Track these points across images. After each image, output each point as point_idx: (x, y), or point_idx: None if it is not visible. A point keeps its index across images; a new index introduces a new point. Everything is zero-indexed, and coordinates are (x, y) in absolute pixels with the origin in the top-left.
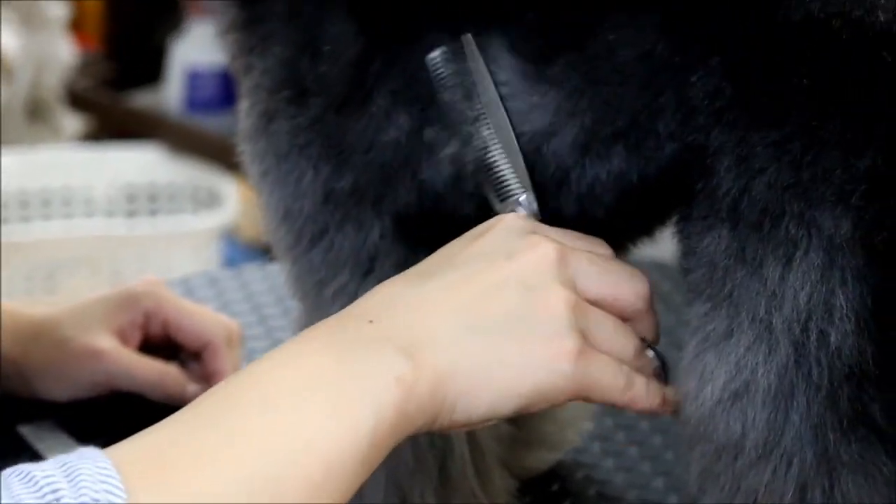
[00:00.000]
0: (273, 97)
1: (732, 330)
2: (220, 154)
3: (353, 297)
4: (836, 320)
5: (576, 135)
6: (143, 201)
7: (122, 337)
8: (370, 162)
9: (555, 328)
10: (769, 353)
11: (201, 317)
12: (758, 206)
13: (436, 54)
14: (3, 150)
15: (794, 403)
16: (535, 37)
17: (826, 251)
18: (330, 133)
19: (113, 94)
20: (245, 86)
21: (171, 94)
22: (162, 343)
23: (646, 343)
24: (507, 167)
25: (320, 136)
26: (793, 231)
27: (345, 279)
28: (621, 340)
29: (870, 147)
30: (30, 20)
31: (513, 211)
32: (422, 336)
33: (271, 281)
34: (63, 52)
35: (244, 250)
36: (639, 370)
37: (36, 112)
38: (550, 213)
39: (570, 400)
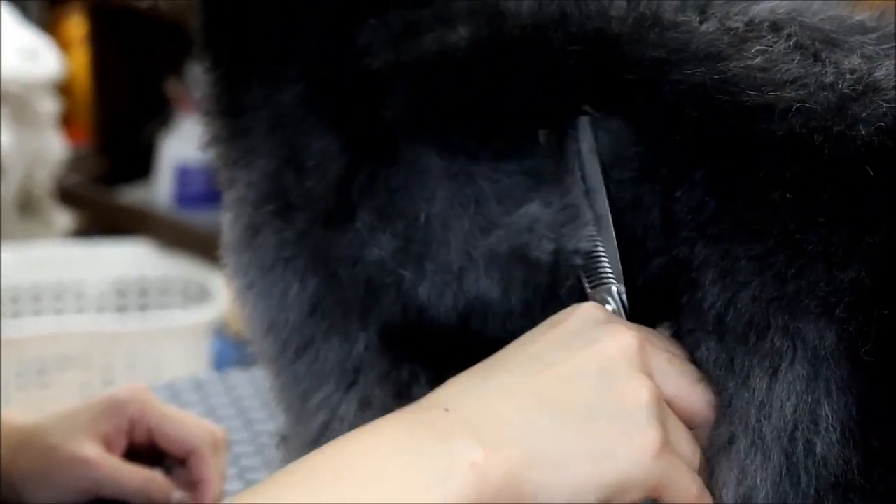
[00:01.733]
0: (258, 211)
1: (733, 436)
2: (209, 249)
3: (337, 408)
4: (822, 430)
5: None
6: (133, 296)
7: (108, 444)
8: (356, 276)
9: (638, 419)
10: (764, 460)
11: (186, 423)
12: (743, 319)
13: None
14: None
15: None
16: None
17: (811, 363)
18: (316, 247)
19: (103, 189)
20: (229, 198)
21: (160, 189)
22: (147, 449)
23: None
24: (604, 255)
25: (307, 249)
26: (778, 343)
27: (329, 390)
28: (691, 447)
29: (853, 259)
30: (21, 116)
31: (603, 301)
32: (497, 424)
33: (257, 385)
34: (54, 148)
35: (235, 344)
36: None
37: (27, 208)
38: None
39: (643, 499)
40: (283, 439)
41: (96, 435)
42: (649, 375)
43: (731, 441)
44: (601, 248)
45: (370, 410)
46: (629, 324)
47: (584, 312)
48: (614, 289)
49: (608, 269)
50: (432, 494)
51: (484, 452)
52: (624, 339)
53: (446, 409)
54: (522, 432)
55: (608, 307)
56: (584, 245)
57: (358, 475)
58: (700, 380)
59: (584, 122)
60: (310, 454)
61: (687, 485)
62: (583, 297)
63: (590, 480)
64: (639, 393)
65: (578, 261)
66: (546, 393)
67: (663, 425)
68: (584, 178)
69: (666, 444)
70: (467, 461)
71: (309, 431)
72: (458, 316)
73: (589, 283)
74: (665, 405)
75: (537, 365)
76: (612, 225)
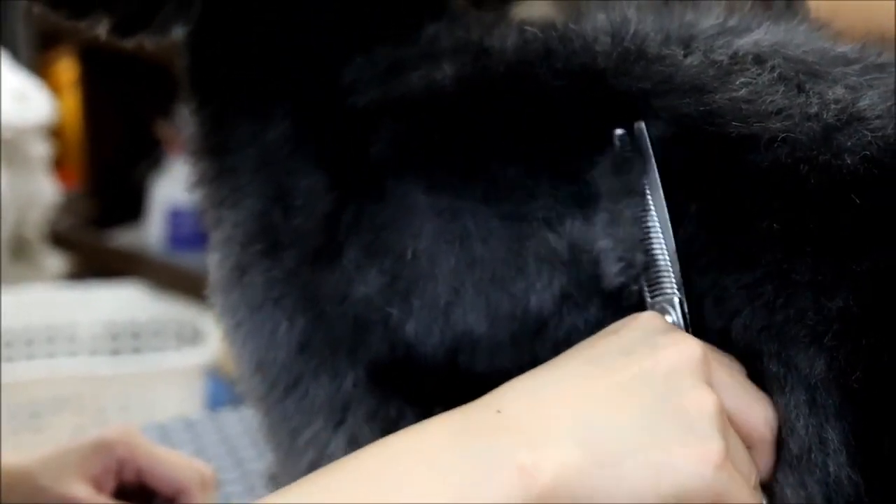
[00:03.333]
0: (246, 250)
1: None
2: (202, 290)
3: (326, 446)
4: (831, 452)
5: (563, 284)
6: (126, 339)
7: (97, 484)
8: (344, 314)
9: (702, 429)
10: (801, 483)
11: (174, 463)
12: (739, 346)
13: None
14: None
15: None
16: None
17: (806, 389)
18: (304, 285)
19: (95, 232)
20: (216, 238)
21: (152, 231)
22: (136, 489)
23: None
24: (664, 264)
25: (295, 288)
26: (774, 369)
27: (318, 428)
28: (749, 464)
29: (841, 288)
30: (12, 159)
31: (663, 311)
32: (550, 426)
33: (247, 424)
34: (46, 191)
35: (228, 386)
36: None
37: (19, 251)
38: (522, 360)
39: None
40: (273, 478)
41: (85, 475)
42: (712, 387)
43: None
44: (660, 257)
45: (358, 447)
46: (690, 335)
47: (644, 321)
48: (676, 300)
49: (667, 280)
50: (474, 494)
51: (533, 454)
52: (688, 348)
53: (498, 411)
54: (578, 435)
55: (668, 318)
56: (639, 257)
57: (399, 473)
58: (761, 398)
59: (642, 130)
60: (354, 453)
61: (745, 501)
62: (571, 336)
63: (649, 488)
64: (703, 403)
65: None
66: (605, 397)
67: (725, 438)
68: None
69: (727, 457)
70: (514, 463)
71: (298, 469)
72: (446, 352)
73: (649, 293)
74: (727, 418)
75: (596, 369)
76: (671, 233)
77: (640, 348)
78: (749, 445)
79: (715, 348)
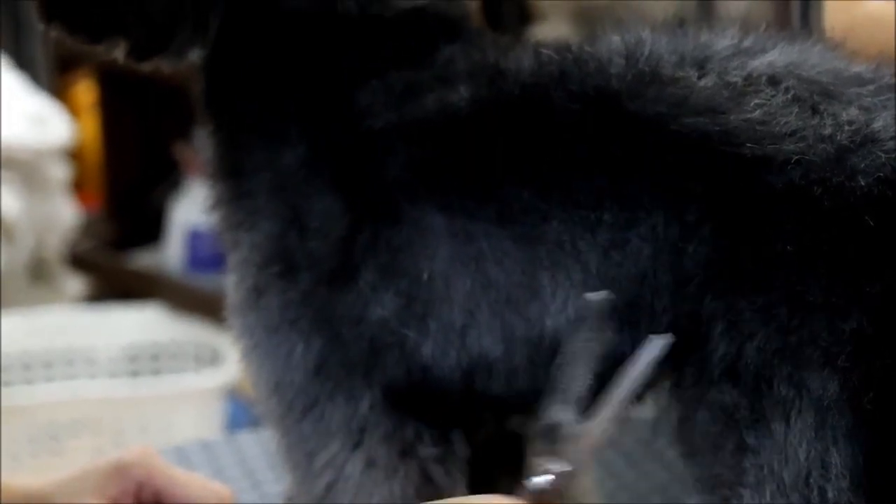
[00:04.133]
0: (262, 272)
1: (761, 481)
2: (221, 312)
3: (343, 467)
4: (833, 477)
5: (578, 307)
6: (145, 361)
7: None
8: (360, 335)
9: None
10: None
11: (192, 485)
12: (751, 370)
13: None
14: (5, 313)
15: None
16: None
17: (817, 411)
18: (320, 307)
19: (114, 254)
20: (233, 260)
21: (171, 253)
22: None
23: None
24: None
25: (311, 310)
26: (784, 392)
27: (335, 450)
28: None
29: (854, 309)
30: (31, 182)
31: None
32: None
33: (265, 446)
34: (65, 214)
35: (247, 407)
36: None
37: (38, 274)
38: (538, 382)
39: None
40: (290, 500)
41: (104, 497)
42: None
43: (759, 483)
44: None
45: (375, 470)
46: None
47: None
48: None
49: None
50: None
51: None
52: None
53: None
54: None
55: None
56: None
57: None
58: None
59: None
60: None
61: None
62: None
63: None
64: None
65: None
66: None
67: None
68: None
69: None
70: None
71: (314, 491)
72: (463, 374)
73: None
74: None
75: None
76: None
77: None
78: None
79: None
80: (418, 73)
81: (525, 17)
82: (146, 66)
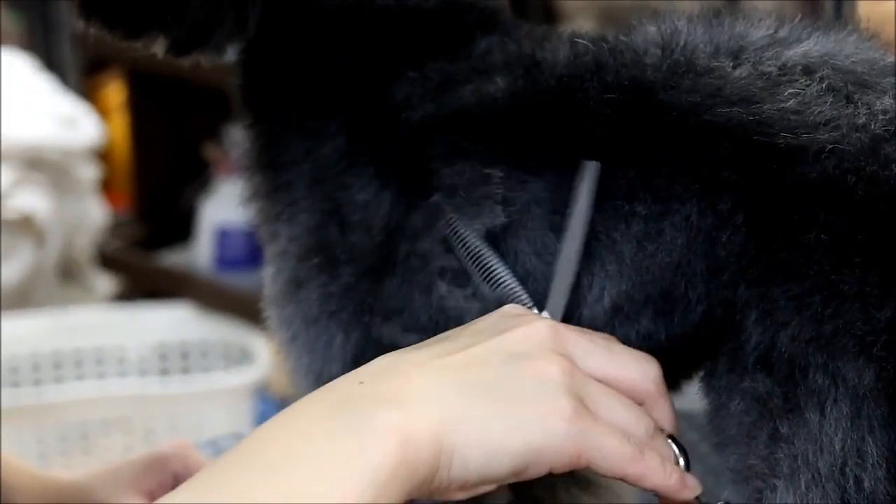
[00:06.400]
0: (302, 264)
1: (796, 471)
2: (250, 311)
3: None
4: (869, 466)
5: (613, 298)
6: (175, 360)
7: (152, 499)
8: (404, 323)
9: (546, 389)
10: (823, 495)
11: None
12: (785, 358)
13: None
14: (36, 312)
15: None
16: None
17: (852, 400)
18: (361, 299)
19: (144, 254)
20: (270, 252)
21: (200, 253)
22: None
23: (664, 433)
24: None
25: (351, 302)
26: (819, 381)
27: None
28: (629, 415)
29: (890, 298)
30: (61, 183)
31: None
32: (410, 392)
33: None
34: (95, 214)
35: (277, 406)
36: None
37: (69, 273)
38: None
39: (572, 466)
40: None
41: (140, 490)
42: (566, 355)
43: (793, 474)
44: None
45: None
46: (540, 316)
47: (503, 310)
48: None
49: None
50: (356, 465)
51: (400, 414)
52: (533, 325)
53: (361, 382)
54: (434, 398)
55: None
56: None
57: (279, 456)
58: (637, 358)
59: (591, 168)
60: (236, 445)
61: (616, 449)
62: None
63: (501, 445)
64: (547, 368)
65: None
66: (456, 367)
67: (581, 397)
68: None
69: (582, 412)
70: (388, 423)
71: None
72: None
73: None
74: (584, 378)
75: (449, 347)
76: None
77: (491, 330)
78: (639, 401)
79: (579, 328)
80: (455, 64)
81: (551, 16)
82: (186, 62)
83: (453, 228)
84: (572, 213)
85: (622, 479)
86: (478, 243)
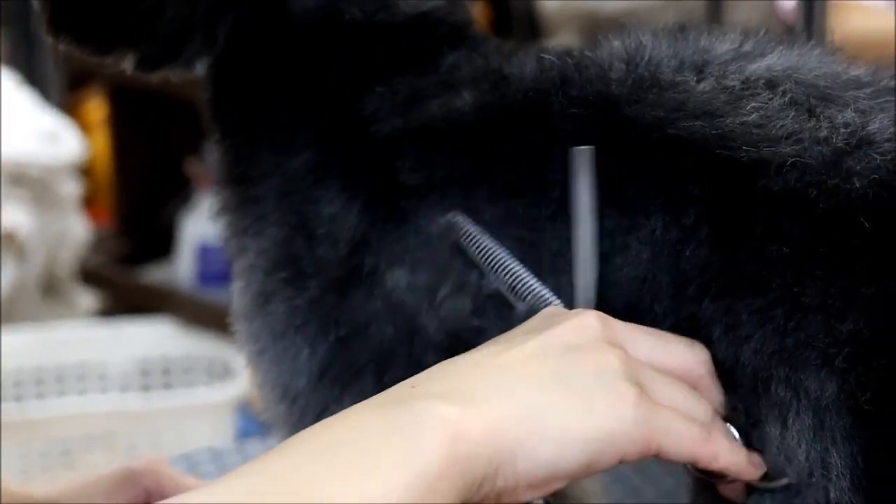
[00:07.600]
0: (269, 278)
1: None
2: (232, 326)
3: None
4: (833, 477)
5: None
6: (157, 375)
7: None
8: (370, 339)
9: (607, 377)
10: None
11: None
12: (748, 372)
13: None
14: (18, 328)
15: None
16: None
17: (815, 412)
18: (327, 313)
19: (126, 269)
20: (239, 266)
21: (182, 268)
22: None
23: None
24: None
25: (317, 316)
26: (782, 393)
27: None
28: (689, 399)
29: (851, 311)
30: (43, 198)
31: None
32: (464, 390)
33: None
34: (77, 230)
35: (259, 421)
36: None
37: (50, 289)
38: None
39: (643, 454)
40: None
41: None
42: (618, 346)
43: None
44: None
45: None
46: (585, 310)
47: (547, 311)
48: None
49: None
50: (405, 457)
51: (454, 409)
52: (585, 318)
53: (413, 386)
54: (491, 396)
55: None
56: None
57: (327, 452)
58: (684, 344)
59: (583, 153)
60: (284, 443)
61: (683, 431)
62: None
63: (573, 433)
64: (605, 357)
65: None
66: (511, 364)
67: (640, 384)
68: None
69: (643, 397)
70: (439, 418)
71: None
72: None
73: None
74: (642, 366)
75: (501, 347)
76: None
77: (542, 327)
78: (691, 386)
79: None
80: (424, 78)
81: (535, 29)
82: (155, 77)
83: (472, 239)
84: (575, 204)
85: (693, 462)
86: (503, 254)
